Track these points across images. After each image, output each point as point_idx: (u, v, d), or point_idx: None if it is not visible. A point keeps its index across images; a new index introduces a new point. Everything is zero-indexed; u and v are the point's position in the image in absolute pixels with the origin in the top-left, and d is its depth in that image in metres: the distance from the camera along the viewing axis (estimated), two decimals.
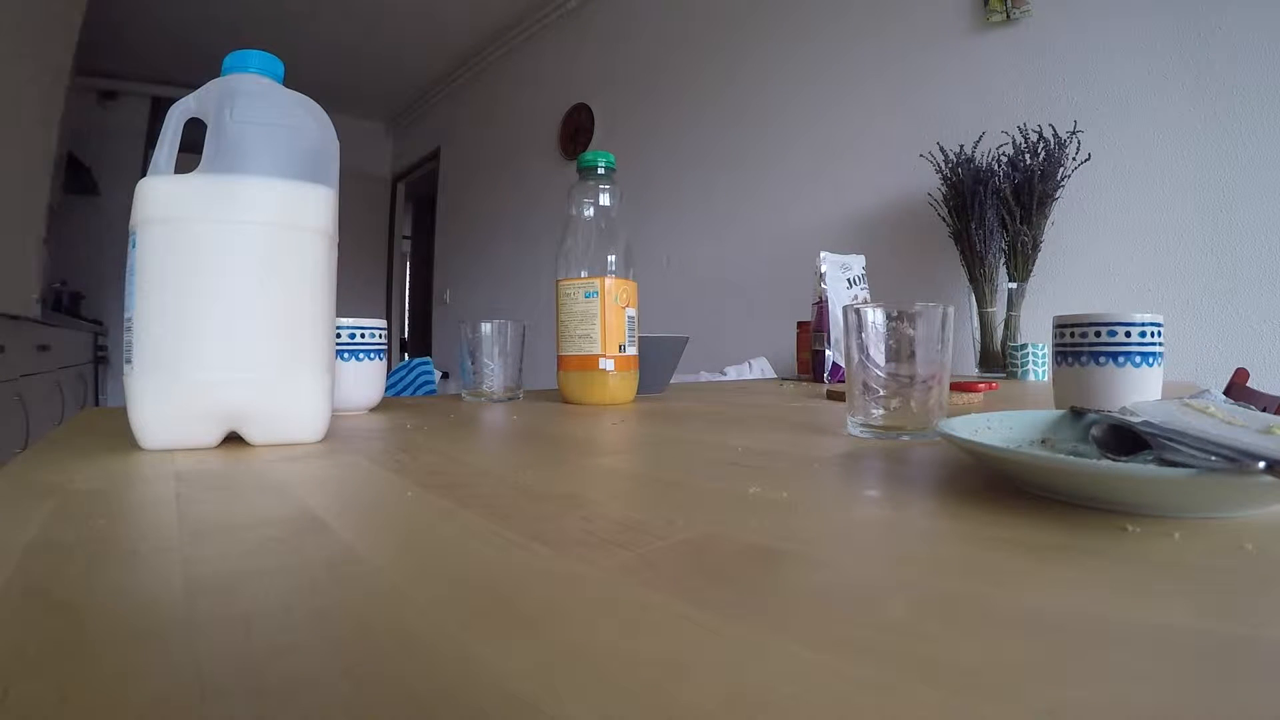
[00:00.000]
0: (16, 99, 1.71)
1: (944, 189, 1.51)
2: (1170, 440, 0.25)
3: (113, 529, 0.24)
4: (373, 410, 0.66)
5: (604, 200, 0.75)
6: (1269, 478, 0.20)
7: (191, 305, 0.40)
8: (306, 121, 0.45)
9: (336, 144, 0.47)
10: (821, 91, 2.00)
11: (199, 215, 0.40)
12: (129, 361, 0.40)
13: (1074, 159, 1.38)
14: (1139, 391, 0.49)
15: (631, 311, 0.73)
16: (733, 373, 1.55)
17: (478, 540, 0.22)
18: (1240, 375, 1.07)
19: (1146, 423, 0.29)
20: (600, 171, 0.75)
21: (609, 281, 0.71)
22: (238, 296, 0.41)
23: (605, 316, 0.71)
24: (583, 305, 0.71)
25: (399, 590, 0.18)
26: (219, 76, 0.44)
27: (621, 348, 0.72)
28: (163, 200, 0.40)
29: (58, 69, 2.09)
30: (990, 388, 0.81)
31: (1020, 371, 1.24)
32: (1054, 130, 1.38)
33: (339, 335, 0.61)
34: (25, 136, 1.82)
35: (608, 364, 0.71)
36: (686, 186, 2.43)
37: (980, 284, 1.42)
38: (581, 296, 0.71)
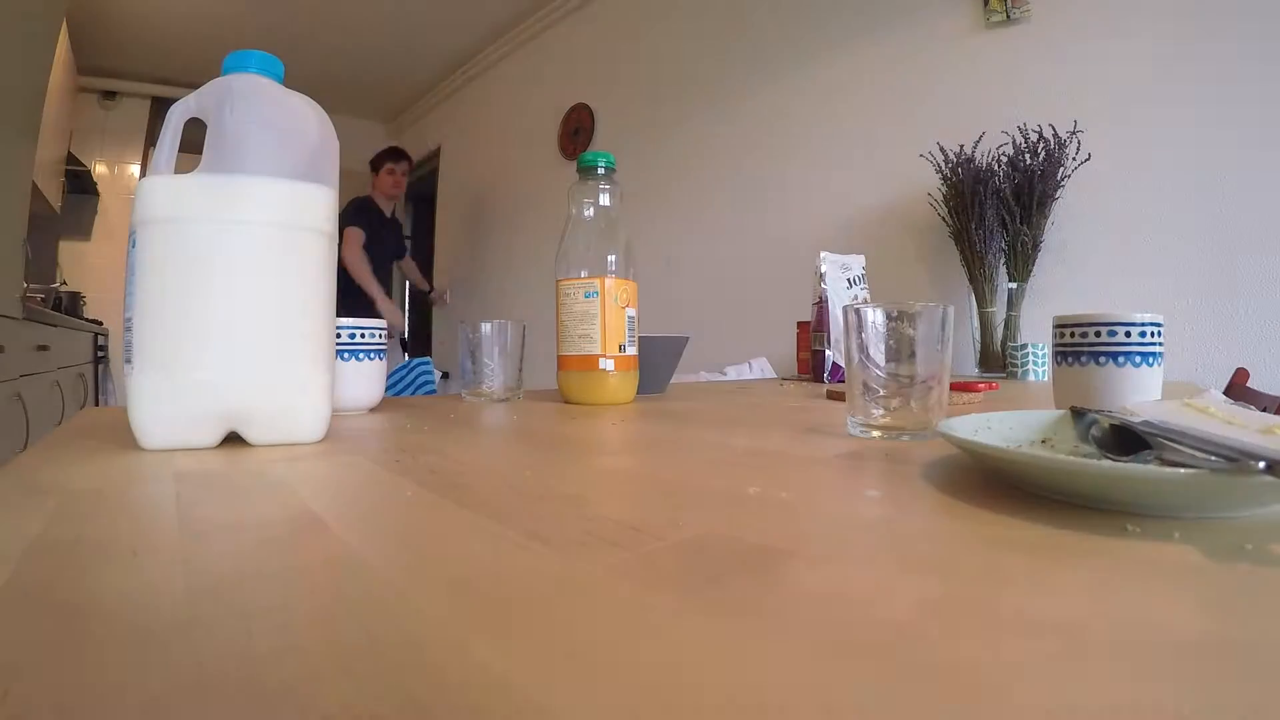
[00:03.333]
0: None
1: (944, 189, 1.51)
2: (1170, 440, 0.25)
3: (113, 529, 0.24)
4: (373, 410, 0.66)
5: (604, 200, 0.75)
6: (1269, 478, 0.20)
7: (191, 305, 0.40)
8: (306, 121, 0.45)
9: (336, 144, 0.47)
10: (821, 91, 2.00)
11: (199, 215, 0.40)
12: (129, 361, 0.40)
13: (1074, 159, 1.38)
14: (1139, 391, 0.49)
15: (631, 311, 0.73)
16: (733, 373, 1.55)
17: (478, 540, 0.22)
18: (1240, 375, 1.07)
19: (1146, 423, 0.29)
20: (600, 171, 0.75)
21: (609, 281, 0.71)
22: (237, 296, 0.41)
23: (605, 316, 0.71)
24: (583, 305, 0.71)
25: (399, 590, 0.18)
26: (219, 76, 0.44)
27: (621, 348, 0.72)
28: (163, 200, 0.40)
29: (40, 64, 2.09)
30: (990, 388, 0.81)
31: (1020, 371, 1.24)
32: (1054, 130, 1.38)
33: (339, 335, 0.61)
34: (5, 135, 1.82)
35: (608, 364, 0.71)
36: (687, 186, 2.43)
37: (980, 284, 1.42)
38: (581, 296, 0.71)
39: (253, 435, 0.42)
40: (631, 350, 0.74)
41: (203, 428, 0.41)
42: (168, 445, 0.40)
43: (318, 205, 0.44)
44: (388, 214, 2.96)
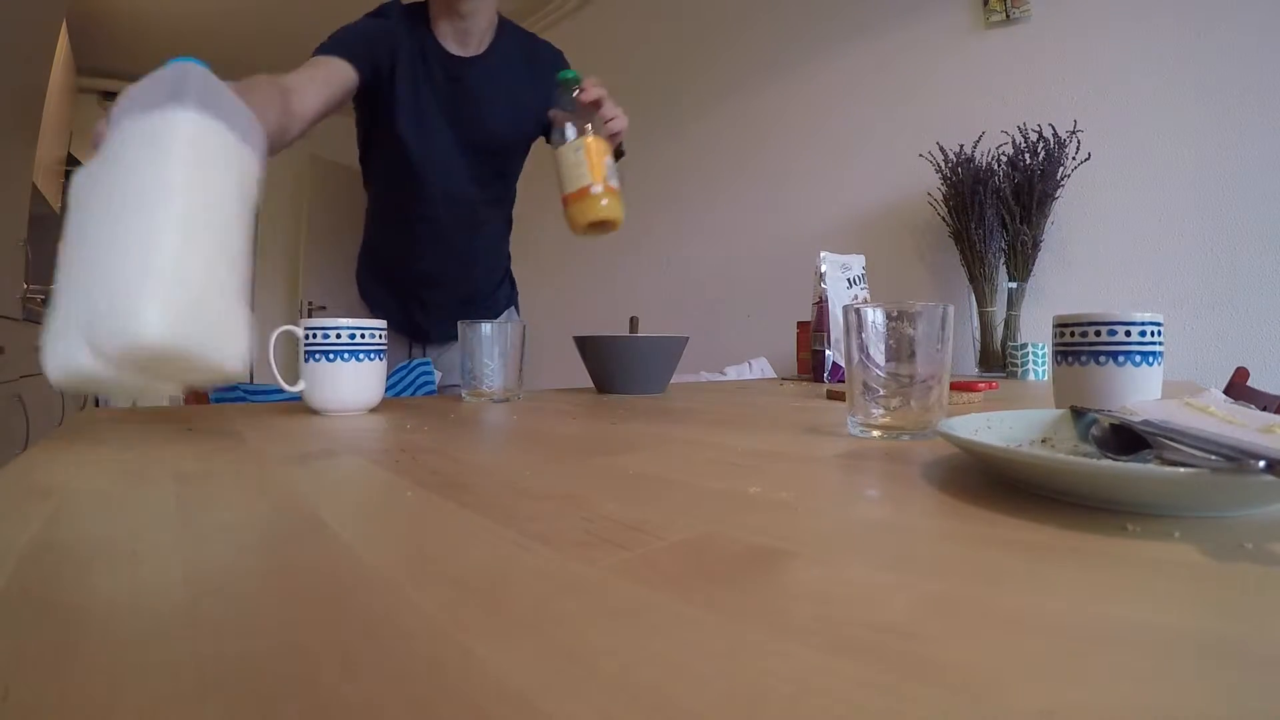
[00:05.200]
0: None
1: (944, 189, 1.51)
2: (1170, 440, 0.25)
3: (113, 529, 0.24)
4: (373, 410, 0.66)
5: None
6: (1269, 477, 0.20)
7: (103, 241, 0.39)
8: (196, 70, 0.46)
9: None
10: (822, 91, 2.00)
11: (110, 162, 0.41)
12: (51, 319, 0.39)
13: (1074, 159, 1.38)
14: (1139, 391, 0.49)
15: (610, 159, 0.88)
16: (733, 373, 1.55)
17: (478, 540, 0.22)
18: (1240, 375, 1.07)
19: (1146, 422, 0.29)
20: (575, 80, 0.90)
21: (590, 139, 0.86)
22: (147, 232, 0.39)
23: (591, 158, 0.85)
24: (575, 158, 0.86)
25: (399, 590, 0.18)
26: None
27: (607, 179, 0.85)
28: (83, 174, 0.43)
29: (40, 64, 2.09)
30: (990, 387, 0.81)
31: (1020, 371, 1.24)
32: (1054, 130, 1.38)
33: (340, 335, 0.61)
34: (5, 135, 1.82)
35: (598, 188, 0.84)
36: (687, 186, 2.43)
37: (980, 284, 1.42)
38: (573, 153, 0.87)
39: (176, 374, 0.40)
40: (614, 183, 0.86)
41: (117, 365, 0.37)
42: (75, 376, 0.37)
43: (218, 137, 0.44)
44: (460, 50, 1.06)
